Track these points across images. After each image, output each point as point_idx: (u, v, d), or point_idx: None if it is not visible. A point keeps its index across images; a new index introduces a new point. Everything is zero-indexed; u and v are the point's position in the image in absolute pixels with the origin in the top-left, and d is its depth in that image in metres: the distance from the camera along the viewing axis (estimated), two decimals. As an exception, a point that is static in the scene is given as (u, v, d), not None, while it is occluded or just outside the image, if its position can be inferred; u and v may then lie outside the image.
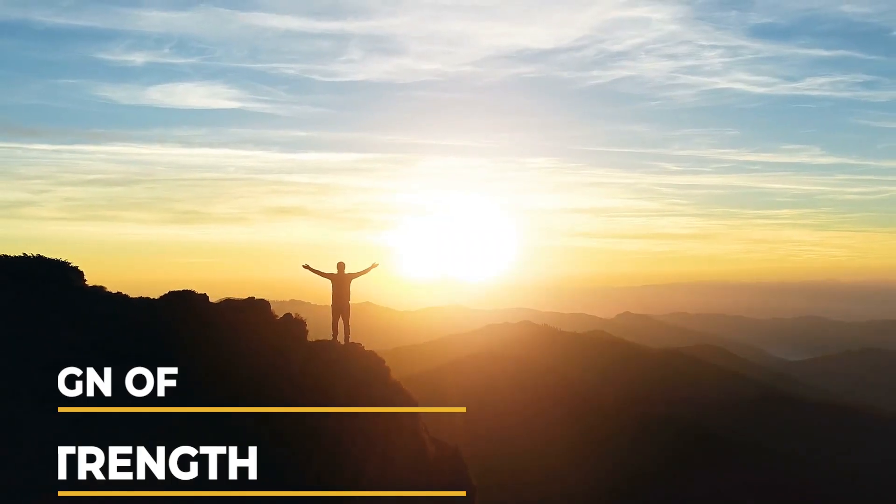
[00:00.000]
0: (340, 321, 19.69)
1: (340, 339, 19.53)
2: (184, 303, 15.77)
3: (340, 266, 19.45)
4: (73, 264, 15.95)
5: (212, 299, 16.80)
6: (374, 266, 19.49)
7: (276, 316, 18.02)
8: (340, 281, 19.43)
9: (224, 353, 14.64)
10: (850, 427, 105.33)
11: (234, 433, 12.08)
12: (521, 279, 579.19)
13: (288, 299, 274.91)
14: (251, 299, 17.69)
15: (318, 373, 16.98)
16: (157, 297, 15.45)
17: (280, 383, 15.29)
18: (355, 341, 19.68)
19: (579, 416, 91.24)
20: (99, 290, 15.17)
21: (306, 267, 19.17)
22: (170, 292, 15.80)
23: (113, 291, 15.50)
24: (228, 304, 17.24)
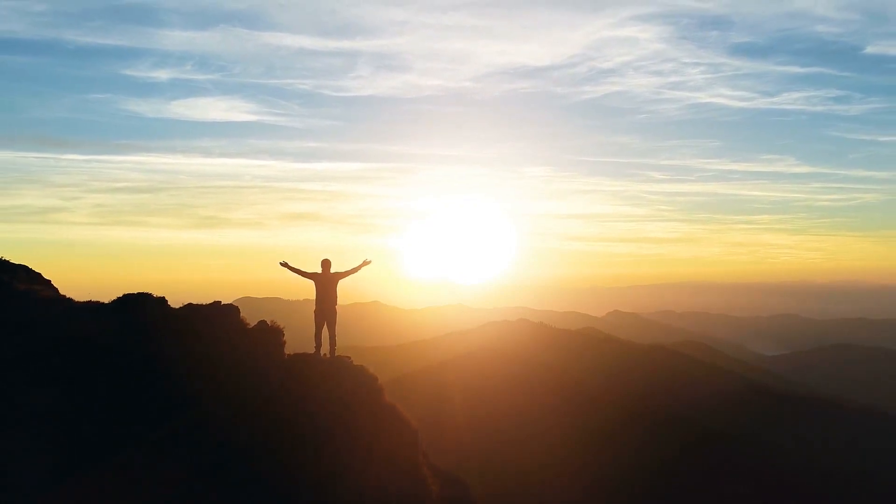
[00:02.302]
0: (325, 331, 15.77)
1: (325, 351, 15.82)
2: (138, 308, 12.48)
3: (325, 264, 15.54)
4: (17, 263, 13.67)
5: (185, 303, 14.01)
6: (365, 263, 15.60)
7: (248, 323, 14.51)
8: (325, 282, 15.48)
9: (179, 369, 11.43)
10: (824, 417, 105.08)
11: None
12: (518, 280, 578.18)
13: (302, 298, 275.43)
14: (217, 304, 14.06)
15: (296, 394, 13.33)
16: (108, 302, 12.61)
17: (247, 408, 11.90)
18: (343, 354, 15.82)
19: (572, 406, 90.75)
20: (35, 293, 12.25)
21: (284, 265, 15.20)
22: (124, 295, 12.73)
23: (64, 295, 13.16)
24: (191, 309, 13.77)
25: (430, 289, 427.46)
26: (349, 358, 15.90)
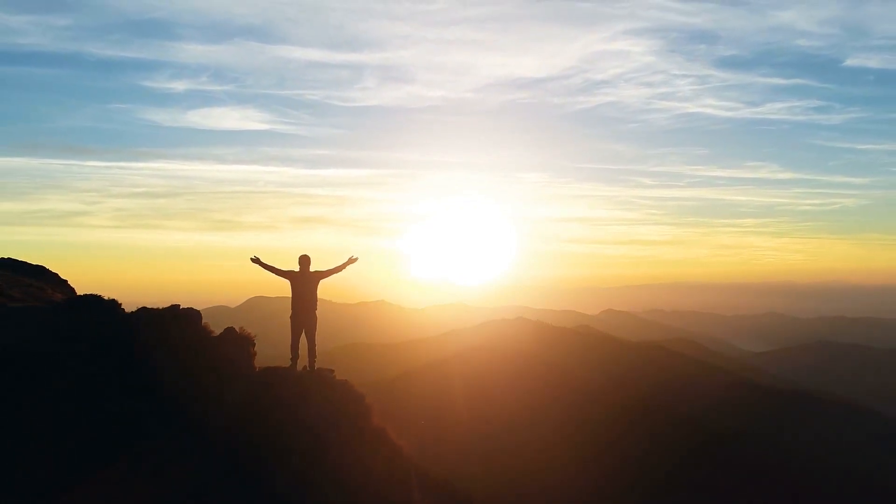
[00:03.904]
0: (303, 339, 12.86)
1: (306, 363, 12.93)
2: (84, 312, 10.14)
3: (304, 262, 12.66)
4: (35, 263, 12.26)
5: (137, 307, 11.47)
6: (351, 261, 12.80)
7: (213, 331, 11.80)
8: (304, 282, 12.58)
9: (120, 385, 9.00)
10: (807, 410, 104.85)
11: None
12: (516, 280, 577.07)
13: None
14: (175, 308, 11.38)
15: (266, 416, 10.38)
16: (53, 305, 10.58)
17: (207, 434, 9.21)
18: (325, 367, 12.99)
19: (567, 401, 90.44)
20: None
21: (256, 261, 12.30)
22: (69, 298, 10.76)
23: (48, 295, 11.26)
24: (144, 314, 11.12)
25: (432, 289, 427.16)
26: (332, 371, 13.07)
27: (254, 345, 12.11)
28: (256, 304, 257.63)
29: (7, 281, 10.68)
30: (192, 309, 11.65)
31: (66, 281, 13.79)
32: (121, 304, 11.28)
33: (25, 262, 13.85)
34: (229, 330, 11.99)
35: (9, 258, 13.87)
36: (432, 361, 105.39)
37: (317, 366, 12.90)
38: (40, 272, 13.49)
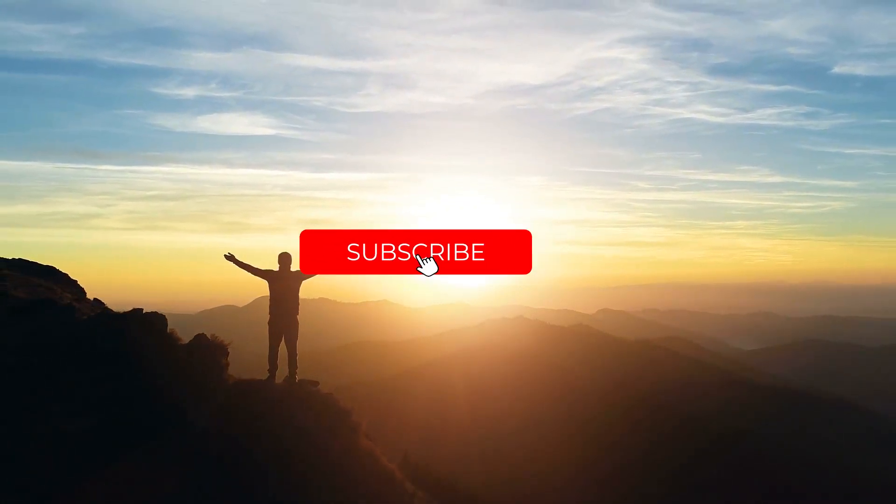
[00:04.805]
0: (283, 347, 10.81)
1: (286, 375, 10.91)
2: (39, 317, 8.51)
3: (284, 260, 10.56)
4: (45, 264, 11.38)
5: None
6: None
7: (180, 338, 9.89)
8: (284, 282, 10.53)
9: (69, 398, 7.39)
10: (796, 406, 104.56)
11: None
12: (515, 280, 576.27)
13: (317, 297, 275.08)
14: (137, 312, 9.55)
15: (237, 436, 8.54)
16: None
17: (167, 455, 7.58)
18: (308, 379, 11.04)
19: (564, 397, 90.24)
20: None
21: (230, 258, 10.19)
22: (28, 301, 9.05)
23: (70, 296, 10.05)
24: (101, 320, 9.27)
25: (433, 288, 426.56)
26: (316, 384, 10.99)
27: (227, 354, 10.20)
28: (264, 304, 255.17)
29: (15, 281, 10.36)
30: (156, 313, 9.82)
31: (75, 281, 13.52)
32: (79, 309, 9.57)
33: (35, 263, 13.53)
34: (200, 337, 10.01)
35: (19, 259, 13.63)
36: (434, 359, 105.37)
37: (299, 377, 10.84)
38: (50, 272, 13.20)
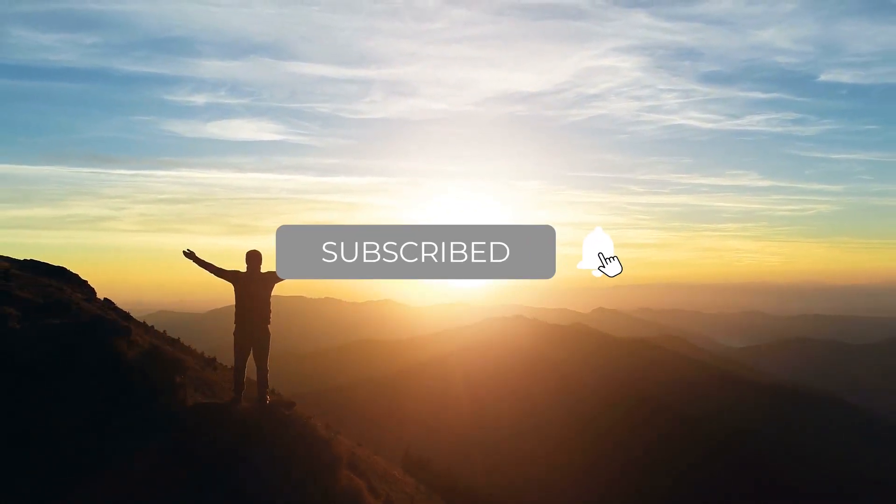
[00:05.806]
0: (251, 362, 8.21)
1: (255, 397, 8.31)
2: (38, 319, 7.24)
3: (253, 259, 8.18)
4: (56, 265, 10.64)
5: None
6: None
7: (127, 352, 7.44)
8: (252, 285, 8.14)
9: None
10: (784, 402, 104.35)
11: None
12: (514, 280, 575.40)
13: (323, 297, 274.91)
14: (78, 322, 7.72)
15: (188, 476, 6.38)
16: None
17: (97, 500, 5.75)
18: (283, 399, 9.43)
19: (561, 394, 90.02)
20: None
21: (189, 255, 8.02)
22: None
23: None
24: (38, 327, 7.24)
25: (435, 289, 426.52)
26: (293, 405, 8.71)
27: (183, 373, 7.85)
28: (276, 301, 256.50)
29: (24, 282, 10.07)
30: (102, 318, 7.94)
31: (85, 282, 13.31)
32: (16, 315, 7.57)
33: (46, 263, 13.31)
34: (153, 351, 7.77)
35: (30, 259, 13.44)
36: (435, 357, 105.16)
37: (269, 399, 8.31)
38: (61, 273, 12.98)
